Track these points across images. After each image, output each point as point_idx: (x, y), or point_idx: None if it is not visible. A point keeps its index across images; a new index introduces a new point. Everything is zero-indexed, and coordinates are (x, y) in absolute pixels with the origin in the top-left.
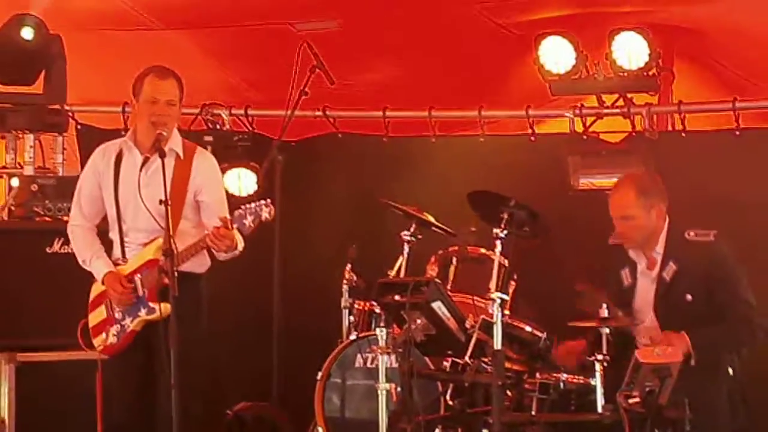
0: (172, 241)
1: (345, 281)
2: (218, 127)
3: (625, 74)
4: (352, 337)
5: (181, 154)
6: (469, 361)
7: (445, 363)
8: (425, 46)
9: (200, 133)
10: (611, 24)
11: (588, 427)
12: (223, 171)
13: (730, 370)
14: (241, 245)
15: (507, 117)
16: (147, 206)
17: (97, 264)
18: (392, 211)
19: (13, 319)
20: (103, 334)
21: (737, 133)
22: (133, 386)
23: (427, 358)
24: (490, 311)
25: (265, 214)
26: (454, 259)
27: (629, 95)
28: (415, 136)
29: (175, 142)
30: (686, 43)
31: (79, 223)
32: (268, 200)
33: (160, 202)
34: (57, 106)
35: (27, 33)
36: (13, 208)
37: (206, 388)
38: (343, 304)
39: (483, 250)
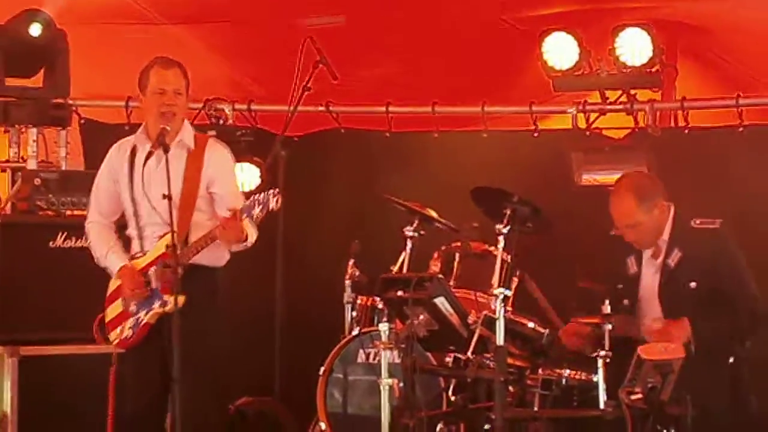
0: (174, 235)
1: (348, 276)
2: (221, 122)
3: (629, 70)
4: (355, 332)
5: (193, 146)
6: (471, 357)
7: (447, 359)
8: (429, 42)
9: (203, 127)
10: (615, 20)
11: (590, 424)
12: None
13: (731, 359)
14: (253, 237)
15: (510, 113)
16: (150, 200)
17: (112, 259)
18: (395, 207)
19: (16, 313)
20: (119, 328)
21: (740, 129)
22: (149, 379)
23: (429, 354)
24: (493, 307)
25: (273, 203)
26: (457, 255)
27: (632, 91)
28: (418, 131)
29: (187, 135)
30: (690, 39)
31: (96, 220)
32: (276, 189)
33: (164, 196)
34: (60, 101)
35: (35, 29)
36: (16, 202)
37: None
38: (345, 299)
39: (486, 246)
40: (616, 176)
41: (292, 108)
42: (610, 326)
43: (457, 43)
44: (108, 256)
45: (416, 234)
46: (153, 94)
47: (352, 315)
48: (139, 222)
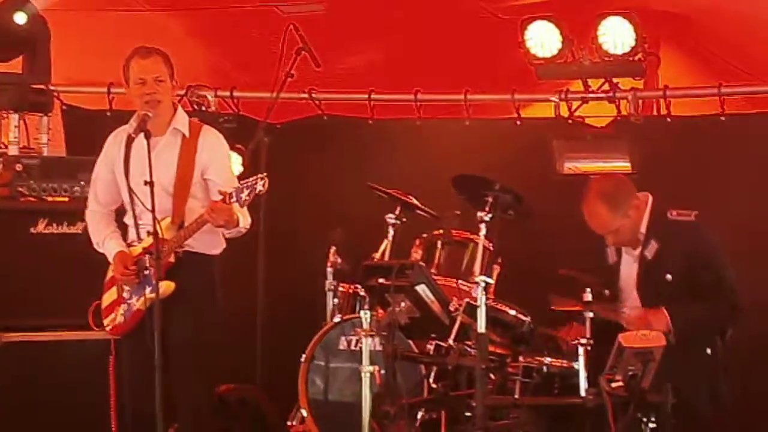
0: (157, 222)
1: (329, 264)
2: (204, 108)
3: (611, 59)
4: (336, 319)
5: (187, 133)
6: (452, 345)
7: (428, 346)
8: (411, 30)
9: (186, 114)
10: (598, 9)
11: (571, 411)
12: None
13: (709, 351)
14: (245, 222)
15: (492, 101)
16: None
17: (109, 245)
18: (377, 194)
19: None
20: (113, 314)
21: (722, 118)
22: (145, 367)
23: (410, 341)
24: (474, 294)
25: (260, 186)
26: (439, 243)
27: (615, 80)
28: (400, 118)
29: (181, 122)
30: (672, 28)
31: (95, 209)
32: (264, 174)
33: (145, 183)
34: (42, 86)
35: (20, 18)
36: None
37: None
38: (327, 286)
39: (468, 234)
40: (599, 165)
41: (274, 95)
42: (591, 314)
43: (440, 31)
44: (105, 242)
45: (398, 221)
46: (135, 84)
47: (333, 302)
48: (135, 210)
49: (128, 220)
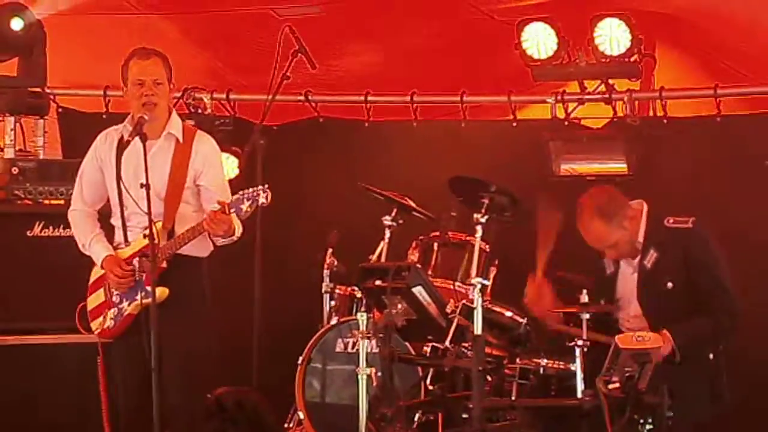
0: (152, 225)
1: (326, 266)
2: (200, 111)
3: (607, 60)
4: (333, 321)
5: (181, 138)
6: (449, 346)
7: (425, 348)
8: (407, 32)
9: (182, 116)
10: (593, 10)
11: (568, 413)
12: None
13: (711, 356)
14: (239, 231)
15: (489, 102)
16: (130, 189)
17: (96, 248)
18: (373, 196)
19: None
20: (101, 318)
21: (718, 119)
22: (137, 371)
23: (407, 343)
24: (471, 296)
25: (262, 199)
26: (435, 245)
27: (611, 81)
28: (396, 120)
29: (175, 126)
30: (668, 29)
31: (79, 208)
32: (266, 186)
33: (141, 185)
34: (38, 89)
35: (16, 24)
36: None
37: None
38: (323, 288)
39: (464, 236)
40: (595, 166)
41: (270, 97)
42: (587, 315)
43: (436, 33)
44: (92, 244)
45: (394, 223)
46: (133, 85)
47: (330, 304)
48: (123, 212)
49: (115, 221)
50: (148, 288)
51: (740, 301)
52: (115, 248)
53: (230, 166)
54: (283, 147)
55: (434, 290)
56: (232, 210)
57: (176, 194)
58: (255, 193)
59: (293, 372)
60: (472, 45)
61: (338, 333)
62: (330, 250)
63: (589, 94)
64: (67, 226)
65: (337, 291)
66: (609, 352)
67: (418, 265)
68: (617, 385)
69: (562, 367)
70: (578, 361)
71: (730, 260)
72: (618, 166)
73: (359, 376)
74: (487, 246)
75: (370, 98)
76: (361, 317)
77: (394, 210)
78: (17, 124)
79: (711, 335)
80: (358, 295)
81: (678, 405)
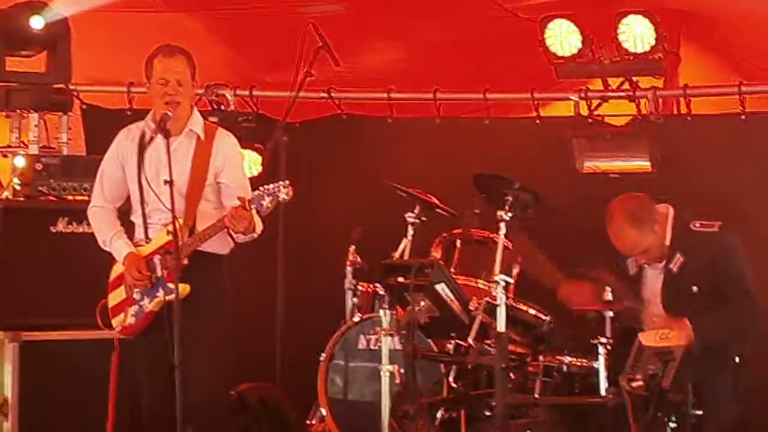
0: (176, 221)
1: (349, 263)
2: (223, 107)
3: (631, 57)
4: (356, 318)
5: (202, 136)
6: (472, 344)
7: (448, 345)
8: (430, 29)
9: (205, 113)
10: (618, 7)
11: (591, 410)
12: None
13: (737, 359)
14: (259, 228)
15: (512, 99)
16: (152, 185)
17: (117, 244)
18: (396, 193)
19: (17, 298)
20: (122, 315)
21: (743, 117)
22: (159, 368)
23: (430, 340)
24: (494, 293)
25: (283, 194)
26: (458, 242)
27: (635, 78)
28: (419, 117)
29: (196, 123)
30: (693, 26)
31: (100, 204)
32: (287, 181)
33: (165, 182)
34: (62, 86)
35: (36, 22)
36: (17, 187)
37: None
38: (346, 285)
39: (487, 233)
40: (618, 163)
41: (293, 94)
42: (611, 313)
43: (460, 30)
44: (113, 241)
45: (417, 220)
46: (156, 83)
47: (353, 301)
48: (144, 208)
49: (136, 218)
50: (170, 285)
51: (761, 304)
52: (136, 245)
53: (253, 163)
54: (305, 144)
55: (457, 287)
56: (252, 206)
57: (197, 191)
58: (276, 189)
59: (316, 369)
60: (496, 42)
61: (361, 330)
62: (353, 247)
63: (612, 91)
64: (89, 219)
65: (359, 288)
66: (632, 350)
67: (441, 262)
68: (641, 383)
69: (585, 364)
70: (601, 359)
71: (751, 257)
72: (641, 164)
73: (382, 373)
74: (511, 243)
75: (393, 95)
76: (384, 314)
77: (417, 207)
78: (41, 121)
79: (729, 332)
80: (381, 292)
81: (703, 406)
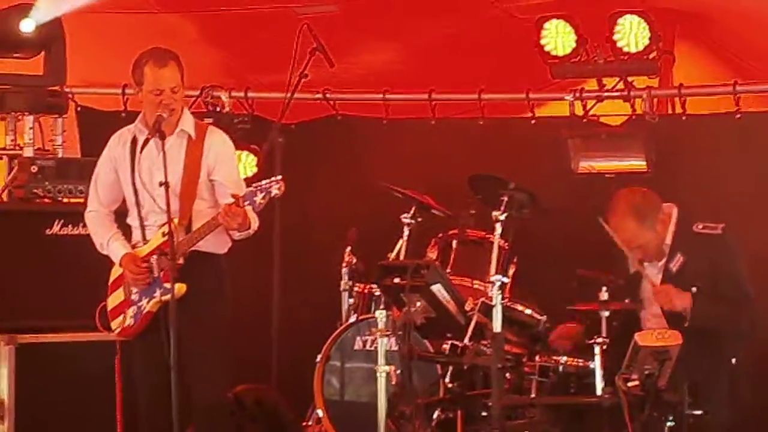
0: (171, 223)
1: (344, 264)
2: (218, 109)
3: (626, 57)
4: (352, 319)
5: (193, 134)
6: (468, 344)
7: (444, 346)
8: (425, 30)
9: (200, 115)
10: (612, 7)
11: (587, 410)
12: None
13: (734, 360)
14: (255, 224)
15: (507, 100)
16: (152, 188)
17: (114, 246)
18: (392, 194)
19: (13, 301)
20: (121, 317)
21: (738, 116)
22: (158, 368)
23: (426, 341)
24: (490, 294)
25: (275, 190)
26: (454, 242)
27: (630, 78)
28: (414, 118)
29: (187, 123)
30: (687, 26)
31: (96, 209)
32: (279, 177)
33: (160, 184)
34: (57, 88)
35: (27, 26)
36: (12, 189)
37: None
38: (342, 286)
39: (483, 233)
40: (614, 163)
41: (288, 95)
42: (607, 313)
43: (454, 30)
44: (110, 243)
45: (413, 221)
46: (150, 93)
47: (349, 302)
48: (140, 211)
49: (132, 221)
50: (166, 285)
51: (759, 308)
52: (133, 247)
53: (249, 164)
54: (301, 145)
55: (453, 288)
56: (246, 203)
57: (191, 190)
58: (268, 185)
59: (312, 370)
60: (491, 42)
61: (357, 331)
62: (349, 248)
63: (607, 91)
64: (86, 224)
65: (355, 289)
66: (628, 349)
67: (437, 263)
68: (637, 382)
69: (581, 364)
70: (597, 358)
71: (748, 255)
72: (637, 164)
73: (378, 374)
74: (506, 243)
75: (388, 96)
76: (380, 315)
77: (413, 208)
78: (36, 123)
79: (725, 324)
80: (377, 292)
81: (696, 405)
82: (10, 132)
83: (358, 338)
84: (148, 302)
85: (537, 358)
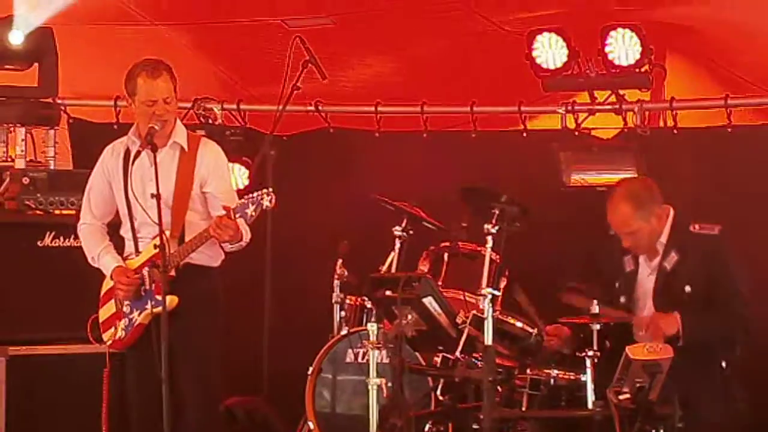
0: (162, 235)
1: (336, 276)
2: (210, 121)
3: (618, 71)
4: (343, 332)
5: (186, 146)
6: (460, 357)
7: (435, 358)
8: (417, 43)
9: (192, 127)
10: (604, 20)
11: (579, 424)
12: None
13: (723, 364)
14: (247, 237)
15: (499, 113)
16: (144, 200)
17: (105, 259)
18: (384, 207)
19: (4, 313)
20: (112, 329)
21: (729, 130)
22: (150, 381)
23: (418, 354)
24: (481, 307)
25: (266, 202)
26: (446, 255)
27: (621, 92)
28: (406, 131)
29: (180, 135)
30: (679, 39)
31: (89, 221)
32: (270, 189)
33: (152, 196)
34: (49, 100)
35: (15, 38)
36: (4, 201)
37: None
38: (334, 299)
39: (475, 246)
40: (605, 176)
41: (281, 107)
42: (598, 326)
43: (446, 44)
44: (101, 256)
45: (405, 234)
46: (143, 104)
47: (340, 315)
48: (133, 223)
49: (125, 233)
50: (158, 297)
51: (752, 312)
52: (126, 259)
53: (241, 176)
54: (293, 157)
55: (444, 301)
56: (237, 215)
57: (183, 202)
58: (259, 197)
59: (303, 382)
60: (483, 56)
61: (348, 343)
62: (340, 261)
63: (599, 104)
64: (78, 236)
65: (347, 301)
66: (620, 362)
67: (429, 276)
68: (628, 395)
69: (572, 377)
70: (589, 371)
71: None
72: (628, 177)
73: (369, 387)
74: (498, 256)
75: (380, 109)
76: (372, 328)
77: (405, 220)
78: (28, 135)
79: (719, 333)
80: (369, 305)
81: (690, 413)
82: (2, 144)
83: (350, 351)
84: (139, 314)
85: (528, 371)
